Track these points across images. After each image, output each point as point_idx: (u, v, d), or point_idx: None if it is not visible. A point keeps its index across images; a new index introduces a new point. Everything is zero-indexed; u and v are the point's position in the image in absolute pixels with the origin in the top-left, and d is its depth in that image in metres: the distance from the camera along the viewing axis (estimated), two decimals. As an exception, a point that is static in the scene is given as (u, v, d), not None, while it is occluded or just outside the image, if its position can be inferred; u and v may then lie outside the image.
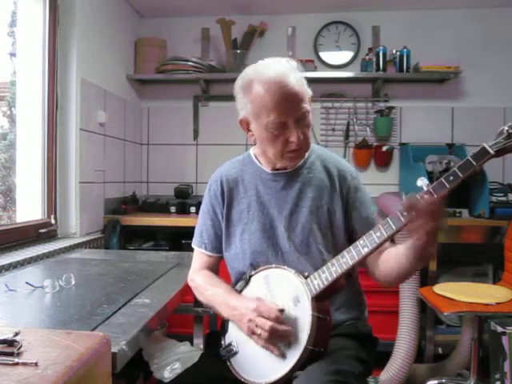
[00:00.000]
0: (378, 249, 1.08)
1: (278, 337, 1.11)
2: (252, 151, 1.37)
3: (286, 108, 1.15)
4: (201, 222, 1.39)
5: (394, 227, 1.04)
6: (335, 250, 1.21)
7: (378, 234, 1.06)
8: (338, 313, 1.27)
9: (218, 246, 1.36)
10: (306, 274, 1.17)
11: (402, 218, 1.02)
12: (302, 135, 1.19)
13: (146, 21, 3.20)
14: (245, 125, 1.26)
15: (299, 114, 1.17)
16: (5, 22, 2.52)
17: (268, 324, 1.10)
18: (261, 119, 1.18)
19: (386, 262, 1.19)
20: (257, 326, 1.12)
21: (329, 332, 1.14)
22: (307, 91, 1.21)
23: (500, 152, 0.91)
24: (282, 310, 1.13)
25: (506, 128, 0.92)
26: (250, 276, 1.26)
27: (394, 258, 1.17)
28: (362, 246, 1.08)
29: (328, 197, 1.28)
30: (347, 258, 1.09)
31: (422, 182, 1.00)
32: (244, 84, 1.20)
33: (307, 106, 1.19)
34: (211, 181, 1.39)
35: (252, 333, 1.13)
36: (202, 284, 1.33)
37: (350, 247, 1.10)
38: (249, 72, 1.21)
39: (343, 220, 1.28)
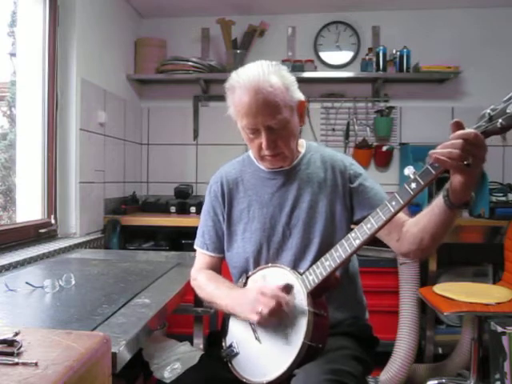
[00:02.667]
0: (370, 238, 1.07)
1: (281, 311, 1.10)
2: (251, 152, 1.38)
3: (257, 116, 1.18)
4: (202, 224, 1.41)
5: (383, 217, 1.04)
6: (337, 243, 1.21)
7: (369, 225, 1.06)
8: (338, 311, 1.27)
9: (219, 246, 1.37)
10: (302, 270, 1.18)
11: (411, 190, 0.99)
12: (276, 143, 1.21)
13: (146, 21, 3.20)
14: (235, 122, 1.29)
15: (272, 124, 1.18)
16: (5, 22, 2.52)
17: (273, 301, 1.10)
18: (239, 121, 1.24)
19: (414, 228, 1.15)
20: (260, 303, 1.11)
21: (326, 328, 1.15)
22: (291, 98, 1.21)
23: (483, 135, 0.92)
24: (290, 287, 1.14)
25: (488, 111, 0.92)
26: (248, 277, 1.27)
27: (423, 219, 1.12)
28: (354, 239, 1.08)
29: (327, 190, 1.29)
30: (340, 252, 1.10)
31: (409, 170, 1.01)
32: (229, 86, 1.24)
33: (284, 115, 1.19)
34: (211, 182, 1.41)
35: (255, 311, 1.12)
36: (204, 281, 1.34)
37: (343, 240, 1.10)
38: (233, 76, 1.24)
39: (345, 212, 1.28)
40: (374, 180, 1.33)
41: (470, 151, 0.91)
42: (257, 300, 1.13)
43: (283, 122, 1.19)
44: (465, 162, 0.92)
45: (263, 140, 1.20)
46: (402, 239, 1.19)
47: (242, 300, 1.19)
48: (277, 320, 1.13)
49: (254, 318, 1.12)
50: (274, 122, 1.18)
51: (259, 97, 1.16)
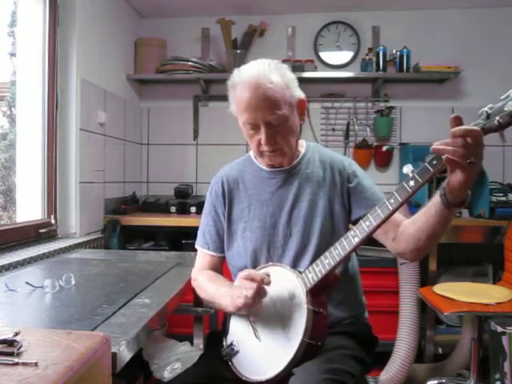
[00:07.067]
0: (370, 237, 1.07)
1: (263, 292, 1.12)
2: (252, 152, 1.39)
3: (257, 111, 1.20)
4: (203, 223, 1.41)
5: (382, 215, 1.04)
6: (335, 242, 1.21)
7: (367, 223, 1.06)
8: (337, 310, 1.28)
9: (220, 245, 1.38)
10: (301, 268, 1.19)
11: (411, 184, 1.00)
12: (275, 139, 1.22)
13: (146, 21, 3.20)
14: (235, 119, 1.31)
15: (271, 119, 1.20)
16: (5, 22, 2.52)
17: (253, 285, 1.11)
18: (239, 117, 1.25)
19: (411, 228, 1.15)
20: (241, 286, 1.13)
21: (325, 325, 1.15)
22: (291, 95, 1.23)
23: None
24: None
25: (486, 109, 0.93)
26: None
27: (420, 219, 1.12)
28: (353, 236, 1.08)
29: (326, 190, 1.29)
30: (339, 250, 1.10)
31: (408, 168, 1.02)
32: (231, 84, 1.26)
33: (284, 111, 1.20)
34: (212, 183, 1.42)
35: (240, 295, 1.13)
36: (204, 281, 1.34)
37: (342, 238, 1.11)
38: (235, 73, 1.26)
39: (343, 211, 1.29)
40: (372, 180, 1.33)
41: (472, 149, 0.90)
42: (238, 285, 1.15)
43: (283, 118, 1.21)
44: (468, 161, 0.92)
45: (262, 135, 1.22)
46: (398, 239, 1.19)
47: (230, 293, 1.19)
48: (261, 299, 1.13)
49: (240, 301, 1.12)
50: (273, 118, 1.20)
51: (259, 92, 1.18)
